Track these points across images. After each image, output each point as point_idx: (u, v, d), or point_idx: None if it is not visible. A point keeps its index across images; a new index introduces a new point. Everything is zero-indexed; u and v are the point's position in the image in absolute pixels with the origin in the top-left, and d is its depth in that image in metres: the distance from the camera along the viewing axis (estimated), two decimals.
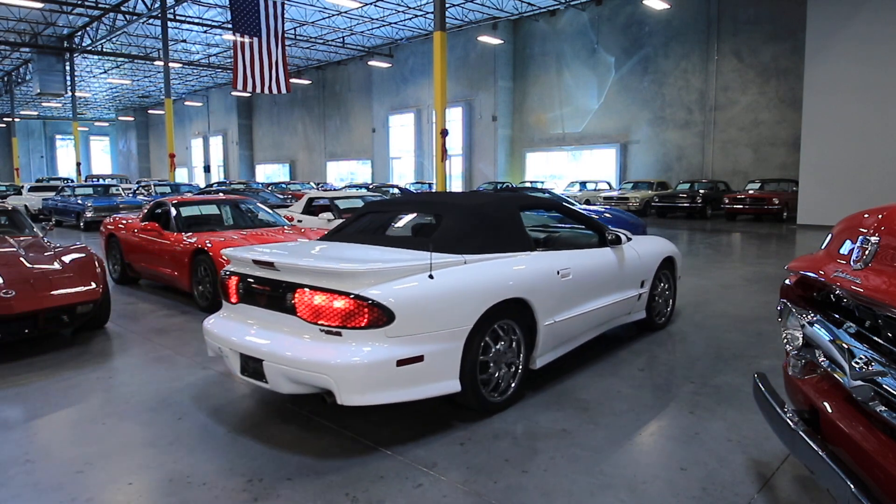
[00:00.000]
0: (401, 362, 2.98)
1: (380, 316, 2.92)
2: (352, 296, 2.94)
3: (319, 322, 3.03)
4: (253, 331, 3.36)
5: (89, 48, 29.46)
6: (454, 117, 27.39)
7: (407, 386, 3.05)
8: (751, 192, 17.97)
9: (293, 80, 26.87)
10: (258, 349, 3.19)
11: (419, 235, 4.18)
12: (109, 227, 8.18)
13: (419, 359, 3.04)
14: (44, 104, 46.04)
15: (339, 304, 2.96)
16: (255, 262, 3.38)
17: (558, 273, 3.89)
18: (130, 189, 22.40)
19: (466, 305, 3.23)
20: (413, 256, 3.32)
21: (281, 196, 17.31)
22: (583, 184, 23.15)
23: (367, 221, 4.49)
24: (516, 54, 27.24)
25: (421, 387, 3.11)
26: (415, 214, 4.72)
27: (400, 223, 4.72)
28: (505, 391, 3.58)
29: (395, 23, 27.71)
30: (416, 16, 26.58)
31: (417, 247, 3.57)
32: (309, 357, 2.98)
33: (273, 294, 3.30)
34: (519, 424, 3.37)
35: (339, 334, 2.98)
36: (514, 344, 3.59)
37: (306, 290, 3.08)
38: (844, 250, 2.10)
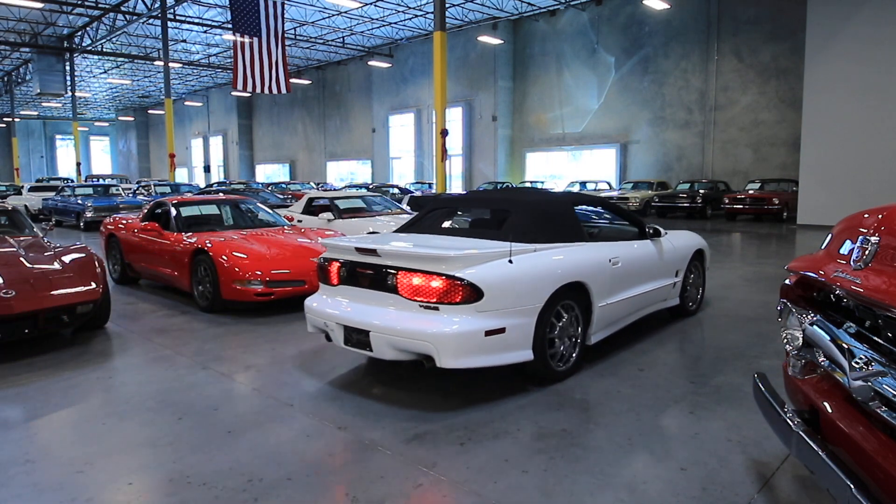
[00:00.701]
0: (488, 333, 3.52)
1: (471, 293, 3.47)
2: (449, 277, 3.49)
3: (418, 299, 3.59)
4: (356, 307, 3.89)
5: (89, 48, 29.47)
6: (454, 117, 27.39)
7: (491, 353, 3.59)
8: (751, 192, 17.97)
9: (293, 80, 26.86)
10: (365, 322, 3.72)
11: (490, 228, 4.75)
12: (109, 227, 8.18)
13: (502, 330, 3.57)
14: (44, 104, 46.05)
15: (437, 283, 3.52)
16: (358, 249, 3.90)
17: (610, 261, 4.44)
18: (130, 189, 22.40)
19: (538, 286, 3.78)
20: (494, 245, 3.86)
21: (281, 196, 17.32)
22: (583, 184, 23.14)
23: (438, 216, 5.04)
24: (516, 54, 27.23)
25: (502, 354, 3.64)
26: (481, 210, 5.25)
27: (469, 217, 5.24)
28: (567, 361, 4.12)
29: (395, 23, 27.71)
30: (416, 16, 26.58)
31: (495, 237, 4.12)
32: (412, 328, 3.52)
33: (375, 276, 3.83)
34: (518, 424, 3.38)
35: (436, 309, 3.54)
36: (574, 322, 4.13)
37: (407, 272, 3.62)
38: (844, 250, 2.10)
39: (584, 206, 6.96)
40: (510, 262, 3.71)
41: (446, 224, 4.99)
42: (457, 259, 3.55)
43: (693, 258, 5.79)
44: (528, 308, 3.71)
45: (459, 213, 5.29)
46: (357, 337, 3.79)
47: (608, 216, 6.53)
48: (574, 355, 4.16)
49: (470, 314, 3.49)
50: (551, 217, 4.43)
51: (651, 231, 5.20)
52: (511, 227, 4.18)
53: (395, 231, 4.88)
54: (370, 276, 3.86)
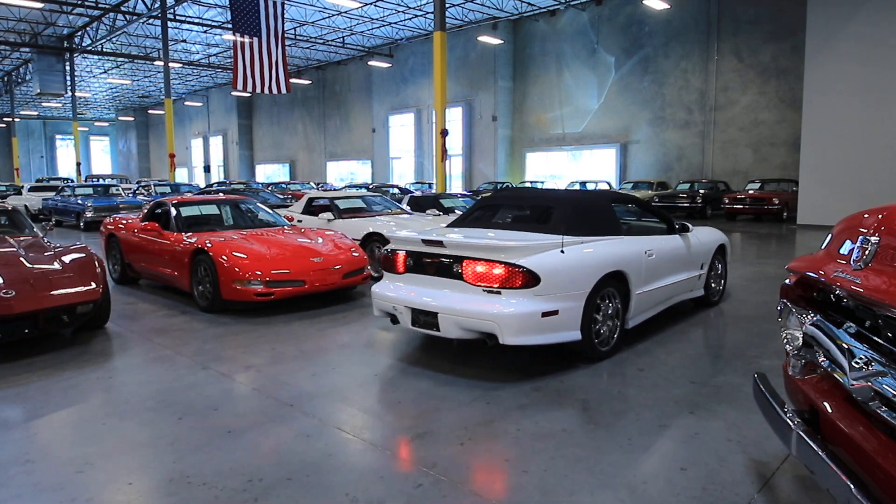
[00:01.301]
0: (544, 314, 3.97)
1: (530, 279, 3.91)
2: (510, 264, 3.94)
3: (481, 284, 4.04)
4: (423, 292, 4.34)
5: (89, 48, 29.46)
6: (454, 117, 27.39)
7: (546, 332, 4.04)
8: (751, 192, 17.97)
9: (293, 80, 26.87)
10: (432, 305, 4.19)
11: (536, 222, 5.08)
12: (109, 227, 8.18)
13: (555, 312, 4.02)
14: (44, 104, 46.04)
15: (499, 270, 3.97)
16: (425, 241, 4.36)
17: (646, 253, 4.88)
18: (130, 189, 22.39)
19: (586, 274, 4.23)
20: (547, 237, 4.33)
21: (281, 196, 17.31)
22: (583, 184, 23.13)
23: (487, 212, 5.49)
24: (516, 54, 27.23)
25: (555, 334, 4.09)
26: (525, 207, 5.71)
27: (517, 213, 5.68)
28: (608, 343, 4.56)
29: (395, 23, 27.70)
30: (416, 16, 26.58)
31: (545, 230, 4.57)
32: (477, 310, 3.99)
33: (441, 265, 4.30)
34: (518, 424, 3.38)
35: (499, 293, 3.99)
36: (614, 307, 4.57)
37: (472, 261, 4.09)
38: (844, 250, 2.10)
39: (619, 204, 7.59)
40: (562, 252, 4.15)
41: (495, 219, 5.44)
42: (517, 249, 4.01)
43: (716, 252, 6.23)
44: (577, 293, 4.16)
45: (507, 209, 5.76)
46: (424, 318, 4.26)
47: (639, 213, 7.02)
48: (615, 337, 4.62)
49: (528, 297, 3.95)
50: (594, 213, 4.92)
51: (679, 227, 5.68)
52: (560, 222, 4.64)
53: (448, 225, 5.32)
54: (436, 264, 4.34)
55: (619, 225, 5.00)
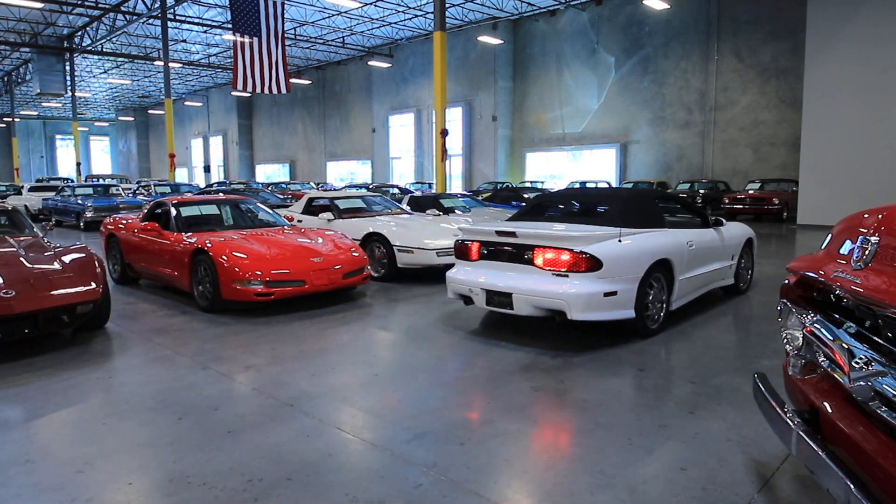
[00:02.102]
0: (606, 294, 4.59)
1: (594, 264, 4.54)
2: (577, 252, 4.57)
3: (551, 269, 4.69)
4: (497, 276, 5.00)
5: (89, 48, 29.46)
6: (454, 117, 27.39)
7: (607, 310, 4.65)
8: (751, 192, 17.97)
9: (293, 80, 26.86)
10: (507, 287, 4.85)
11: (591, 216, 5.69)
12: (109, 227, 8.18)
13: (615, 293, 4.63)
14: (44, 104, 46.04)
15: (566, 257, 4.62)
16: (498, 232, 5.02)
17: (687, 244, 5.48)
18: (130, 189, 22.39)
19: (640, 260, 4.84)
20: (605, 228, 4.93)
21: (281, 196, 17.30)
22: (583, 184, 23.14)
23: (542, 208, 6.18)
24: (516, 54, 27.23)
25: (613, 311, 4.70)
26: (578, 203, 6.33)
27: (574, 208, 6.27)
28: (656, 322, 5.17)
29: (395, 23, 27.71)
30: (416, 16, 26.58)
31: (601, 223, 5.19)
32: (548, 290, 4.63)
33: (513, 253, 4.94)
34: (518, 424, 3.38)
35: (566, 276, 4.62)
36: (661, 290, 5.16)
37: (542, 248, 4.73)
38: (844, 250, 2.10)
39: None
40: (620, 241, 4.76)
41: (551, 214, 6.06)
42: (582, 238, 4.64)
43: (745, 246, 6.82)
44: (632, 277, 4.75)
45: (563, 205, 6.38)
46: (499, 299, 4.92)
47: (679, 209, 7.57)
48: (661, 316, 5.22)
49: (592, 280, 4.55)
50: (643, 208, 5.57)
51: (714, 221, 6.29)
52: (616, 216, 5.28)
53: (508, 219, 5.96)
54: (508, 252, 4.98)
55: (663, 219, 5.63)
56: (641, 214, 5.40)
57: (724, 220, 6.40)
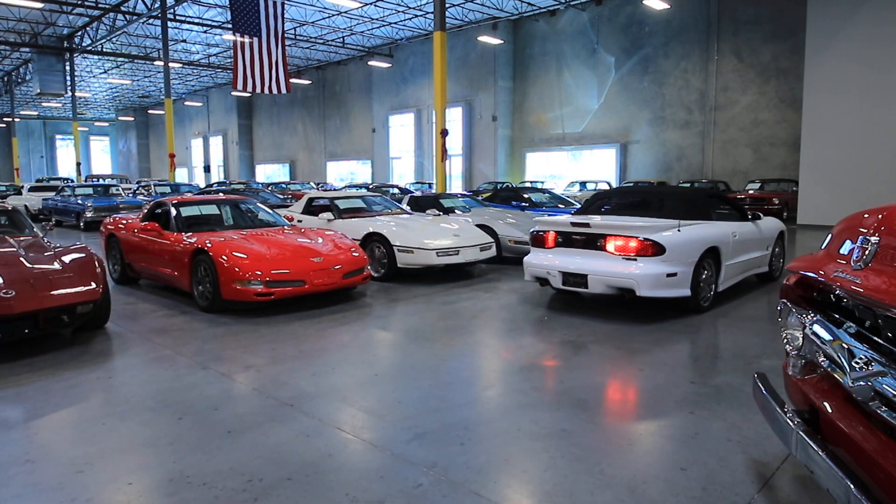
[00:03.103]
0: (668, 275, 5.47)
1: (659, 250, 5.41)
2: (644, 239, 5.46)
3: (621, 254, 5.58)
4: (572, 260, 5.88)
5: (89, 48, 29.45)
6: (454, 117, 27.38)
7: (668, 288, 5.55)
8: (751, 192, 17.96)
9: (293, 80, 26.85)
10: (582, 269, 5.74)
11: (650, 210, 6.51)
12: (109, 227, 8.17)
13: (675, 275, 5.52)
14: (44, 104, 46.03)
15: (634, 244, 5.51)
16: (573, 223, 5.96)
17: (732, 234, 6.34)
18: (130, 189, 22.38)
19: (694, 247, 5.69)
20: (666, 220, 5.84)
21: (281, 196, 17.30)
22: (583, 184, 23.13)
23: (604, 203, 7.02)
24: (516, 54, 27.23)
25: (674, 290, 5.60)
26: (636, 199, 7.17)
27: (630, 203, 7.00)
28: (707, 301, 6.04)
29: (395, 23, 27.70)
30: (416, 16, 26.57)
31: (663, 215, 6.11)
32: (620, 272, 5.53)
33: (586, 240, 5.83)
34: (518, 424, 3.38)
35: (635, 260, 5.51)
36: (711, 274, 6.01)
37: (612, 237, 5.63)
38: (844, 250, 2.10)
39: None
40: (679, 230, 5.63)
41: (612, 208, 6.86)
42: (648, 228, 5.57)
43: (777, 238, 7.60)
44: (689, 261, 5.61)
45: (622, 201, 7.13)
46: (574, 280, 5.81)
47: (722, 204, 8.51)
48: (710, 296, 6.08)
49: (657, 263, 5.43)
50: (696, 203, 6.59)
51: (752, 216, 7.11)
52: (674, 209, 6.25)
53: (575, 213, 6.97)
54: (582, 240, 5.87)
55: (711, 213, 6.51)
56: (695, 208, 6.38)
57: (760, 215, 7.23)
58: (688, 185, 20.14)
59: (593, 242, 5.73)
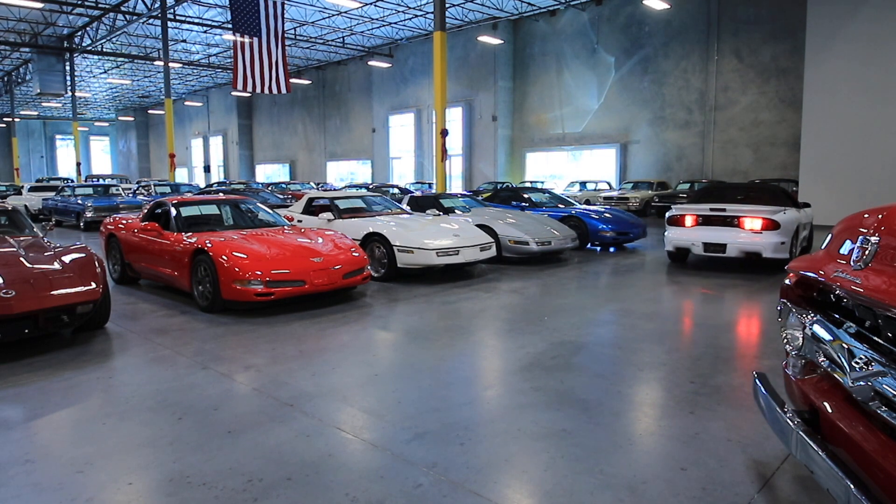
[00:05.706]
0: (781, 244, 7.81)
1: (776, 225, 7.83)
2: (767, 218, 7.87)
3: (750, 229, 7.98)
4: (712, 234, 8.24)
5: (89, 48, 29.44)
6: (454, 117, 27.38)
7: (780, 252, 7.82)
8: None
9: (293, 80, 26.85)
10: (723, 240, 8.12)
11: (754, 200, 8.78)
12: (109, 227, 8.17)
13: (784, 243, 7.84)
14: (44, 104, 46.03)
15: (758, 222, 7.94)
16: (712, 209, 8.39)
17: (803, 216, 8.82)
18: (130, 189, 22.38)
19: (792, 224, 8.05)
20: (774, 207, 8.29)
21: (281, 196, 17.30)
22: (583, 184, 23.14)
23: (711, 196, 9.10)
24: (516, 54, 27.23)
25: (783, 254, 7.83)
26: (742, 192, 9.31)
27: (734, 195, 9.11)
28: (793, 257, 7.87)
29: (395, 23, 27.70)
30: (416, 16, 26.57)
31: (769, 203, 8.55)
32: (750, 241, 7.96)
33: (723, 220, 8.24)
34: (518, 424, 3.38)
35: (760, 233, 7.91)
36: (795, 243, 8.18)
37: (743, 217, 8.06)
38: (844, 250, 2.10)
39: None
40: (784, 213, 8.01)
41: (725, 198, 8.88)
42: (768, 211, 8.01)
43: (811, 220, 10.14)
44: (791, 234, 7.91)
45: (725, 193, 9.18)
46: (714, 247, 8.18)
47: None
48: (796, 254, 8.06)
49: (775, 234, 7.82)
50: (782, 195, 8.92)
51: (802, 204, 9.31)
52: (776, 198, 8.73)
53: (689, 200, 9.76)
54: (719, 220, 8.25)
55: (789, 202, 8.76)
56: (782, 198, 8.80)
57: (809, 204, 9.81)
58: (688, 185, 20.22)
59: (728, 221, 8.11)
